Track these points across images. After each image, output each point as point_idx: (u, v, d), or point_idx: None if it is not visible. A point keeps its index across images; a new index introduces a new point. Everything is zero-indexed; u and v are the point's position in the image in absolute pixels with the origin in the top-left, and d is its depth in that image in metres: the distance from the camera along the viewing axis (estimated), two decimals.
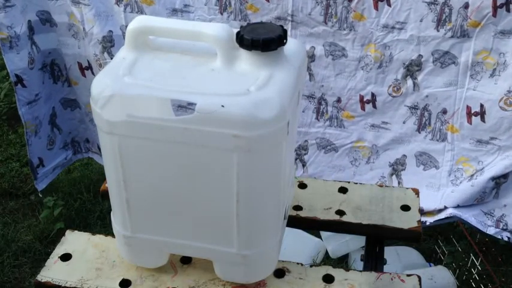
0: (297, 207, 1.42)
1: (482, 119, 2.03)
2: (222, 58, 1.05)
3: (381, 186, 1.51)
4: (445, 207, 2.14)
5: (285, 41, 1.06)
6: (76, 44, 2.35)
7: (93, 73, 2.37)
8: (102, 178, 1.23)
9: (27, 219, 2.68)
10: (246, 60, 1.05)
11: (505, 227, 2.11)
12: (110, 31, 2.21)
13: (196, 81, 1.04)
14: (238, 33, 1.05)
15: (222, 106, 0.98)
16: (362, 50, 2.06)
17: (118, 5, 2.17)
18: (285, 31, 1.06)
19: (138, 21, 1.09)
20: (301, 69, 1.13)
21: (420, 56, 2.01)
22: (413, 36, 1.98)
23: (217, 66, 1.06)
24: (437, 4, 1.91)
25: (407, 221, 1.38)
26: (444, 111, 2.08)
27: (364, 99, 2.15)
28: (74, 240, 1.33)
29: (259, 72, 1.04)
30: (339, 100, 2.18)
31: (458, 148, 2.12)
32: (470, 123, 2.06)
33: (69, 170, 2.90)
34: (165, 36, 1.10)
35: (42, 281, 1.23)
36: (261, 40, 1.03)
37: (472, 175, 2.11)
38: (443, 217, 2.13)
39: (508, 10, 1.85)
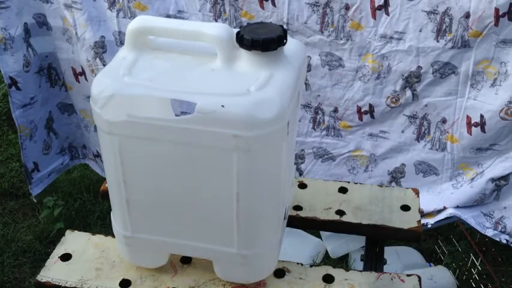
0: (297, 207, 1.42)
1: (483, 130, 1.99)
2: (222, 58, 1.05)
3: (380, 186, 1.51)
4: (445, 208, 2.14)
5: (285, 41, 1.06)
6: (70, 48, 2.31)
7: (86, 79, 2.32)
8: (102, 178, 1.24)
9: (27, 219, 2.68)
10: (246, 60, 1.05)
11: (503, 230, 2.11)
12: (102, 36, 2.17)
13: (196, 81, 1.04)
14: (238, 33, 1.05)
15: (222, 106, 0.98)
16: (359, 60, 2.02)
17: (111, 10, 2.13)
18: (285, 31, 1.06)
19: (138, 21, 1.09)
20: (301, 69, 1.13)
21: (419, 67, 1.96)
22: (412, 47, 1.93)
23: (217, 66, 1.06)
24: (437, 14, 1.86)
25: (407, 221, 1.38)
26: (444, 121, 2.05)
27: (362, 110, 2.11)
28: (74, 240, 1.33)
29: (259, 72, 1.04)
30: (336, 110, 2.14)
31: (458, 157, 2.09)
32: (470, 134, 2.02)
33: (69, 170, 2.90)
34: (165, 36, 1.10)
35: (42, 281, 1.23)
36: (261, 40, 1.03)
37: (472, 178, 2.10)
38: (443, 217, 2.13)
39: (510, 19, 1.79)
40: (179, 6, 2.09)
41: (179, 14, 2.10)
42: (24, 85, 2.32)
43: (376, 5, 1.91)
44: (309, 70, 2.07)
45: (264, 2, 1.99)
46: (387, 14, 1.92)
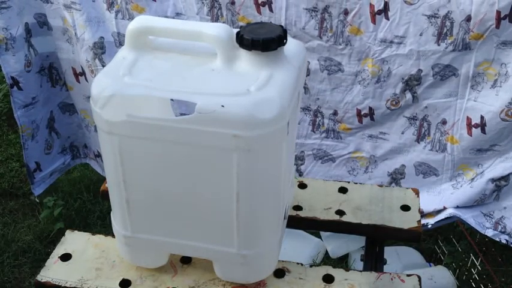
0: (297, 207, 1.42)
1: (483, 131, 1.98)
2: (222, 58, 1.05)
3: (380, 186, 1.51)
4: (444, 208, 2.13)
5: (285, 41, 1.06)
6: (70, 49, 2.30)
7: (86, 79, 2.32)
8: (102, 178, 1.24)
9: (27, 219, 2.68)
10: (246, 60, 1.05)
11: (503, 230, 2.10)
12: (101, 37, 2.16)
13: (196, 81, 1.04)
14: (238, 33, 1.05)
15: (222, 106, 0.98)
16: (359, 64, 2.01)
17: (109, 11, 2.11)
18: (285, 31, 1.06)
19: (138, 21, 1.09)
20: (301, 69, 1.13)
21: (420, 70, 1.95)
22: (413, 50, 1.92)
23: (217, 66, 1.06)
24: (437, 17, 1.85)
25: (407, 221, 1.38)
26: (444, 122, 2.05)
27: (362, 113, 2.11)
28: (74, 240, 1.33)
29: (259, 72, 1.04)
30: (335, 113, 2.14)
31: (458, 158, 2.09)
32: (471, 135, 2.01)
33: (69, 170, 2.90)
34: (165, 36, 1.10)
35: (42, 281, 1.23)
36: (261, 40, 1.03)
37: (472, 178, 2.10)
38: (443, 217, 2.13)
39: (511, 21, 1.78)
40: (177, 8, 2.08)
41: (177, 17, 2.09)
42: (26, 85, 2.31)
43: (376, 9, 1.90)
44: (307, 74, 2.06)
45: (260, 7, 1.98)
46: (387, 18, 1.91)
